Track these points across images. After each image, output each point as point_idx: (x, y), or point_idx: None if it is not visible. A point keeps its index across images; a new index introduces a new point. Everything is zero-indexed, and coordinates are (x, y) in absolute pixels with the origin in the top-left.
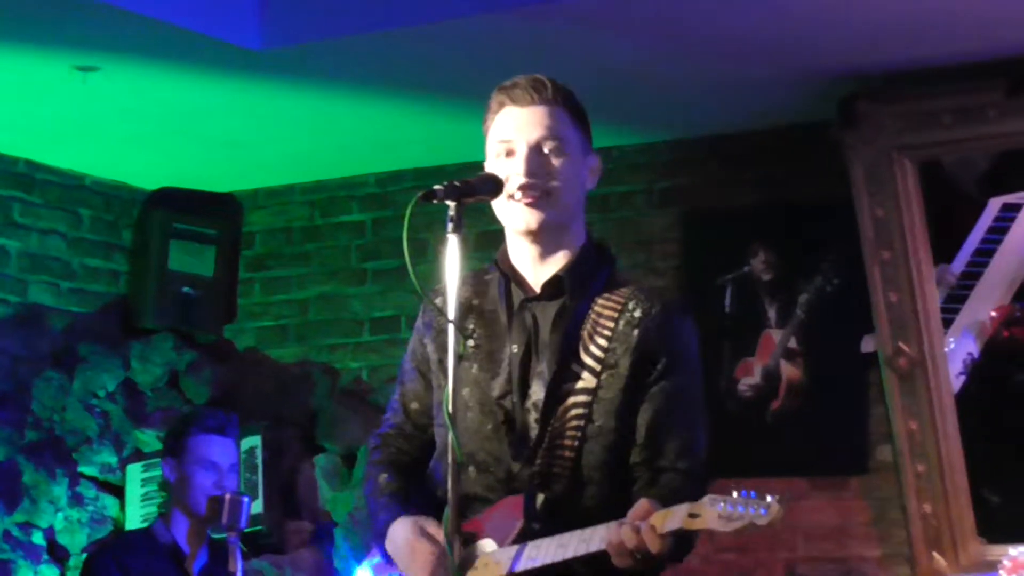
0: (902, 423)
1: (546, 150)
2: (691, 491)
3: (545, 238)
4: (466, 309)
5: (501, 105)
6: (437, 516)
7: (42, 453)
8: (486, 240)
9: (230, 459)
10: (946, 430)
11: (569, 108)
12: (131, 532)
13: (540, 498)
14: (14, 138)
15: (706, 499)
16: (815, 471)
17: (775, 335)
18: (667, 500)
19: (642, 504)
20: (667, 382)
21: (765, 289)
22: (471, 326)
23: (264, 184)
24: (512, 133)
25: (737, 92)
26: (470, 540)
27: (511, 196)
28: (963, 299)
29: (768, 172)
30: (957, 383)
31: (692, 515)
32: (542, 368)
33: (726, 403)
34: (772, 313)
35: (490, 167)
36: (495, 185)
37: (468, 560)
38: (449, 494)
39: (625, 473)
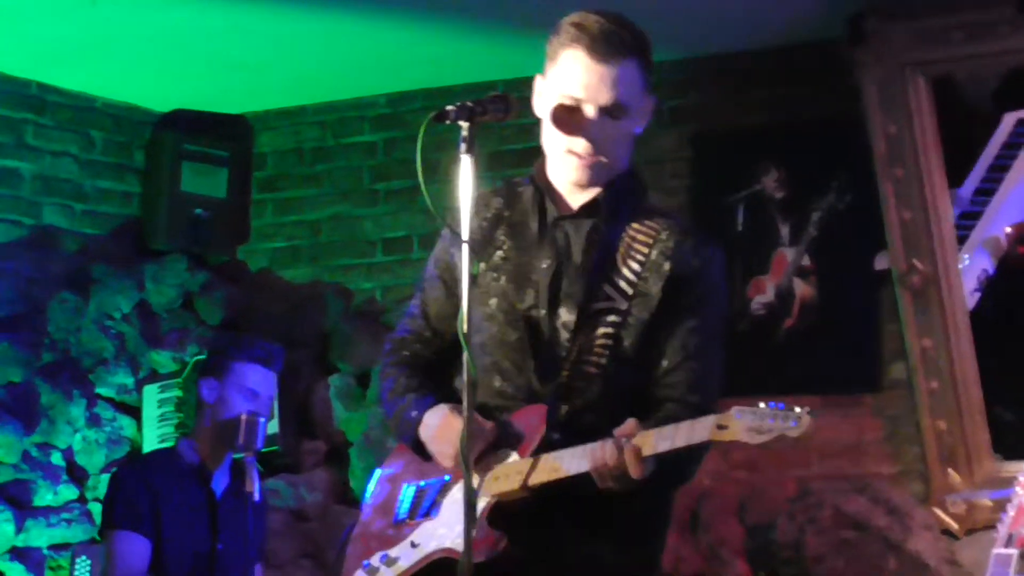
0: (916, 340)
1: (611, 115)
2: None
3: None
4: (496, 220)
5: (574, 45)
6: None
7: (59, 374)
8: (497, 160)
9: (270, 391)
10: (960, 347)
11: (638, 55)
12: (156, 451)
13: (563, 409)
14: (25, 61)
15: (733, 410)
16: (828, 389)
17: (788, 253)
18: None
19: (628, 423)
20: (694, 316)
21: (777, 207)
22: (501, 237)
23: (275, 105)
24: (580, 90)
25: (746, 10)
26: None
27: (571, 151)
28: (978, 215)
29: (778, 90)
30: (972, 300)
31: (720, 427)
32: (574, 289)
33: (739, 322)
34: (784, 231)
35: (546, 101)
36: (506, 105)
37: (487, 466)
38: (464, 411)
39: (640, 399)
